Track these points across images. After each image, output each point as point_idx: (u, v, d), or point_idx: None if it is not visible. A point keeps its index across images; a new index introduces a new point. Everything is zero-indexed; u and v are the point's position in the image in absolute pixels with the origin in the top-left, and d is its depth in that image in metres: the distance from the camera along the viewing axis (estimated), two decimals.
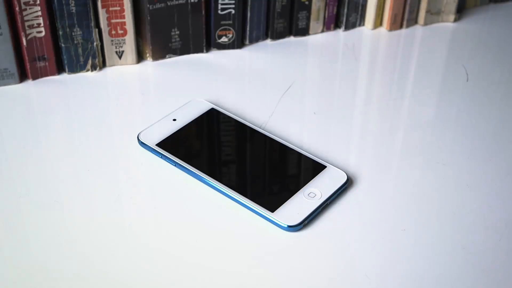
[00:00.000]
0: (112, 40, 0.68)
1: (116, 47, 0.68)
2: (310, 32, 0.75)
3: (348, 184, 0.56)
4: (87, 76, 0.69)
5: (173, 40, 0.70)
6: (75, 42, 0.66)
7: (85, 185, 0.56)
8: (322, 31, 0.76)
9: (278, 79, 0.69)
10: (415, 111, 0.65)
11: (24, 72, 0.67)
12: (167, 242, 0.51)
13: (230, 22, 0.71)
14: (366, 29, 0.77)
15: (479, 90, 0.68)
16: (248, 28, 0.72)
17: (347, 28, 0.76)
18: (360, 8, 0.75)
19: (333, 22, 0.76)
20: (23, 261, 0.49)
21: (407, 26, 0.77)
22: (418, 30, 0.78)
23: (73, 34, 0.66)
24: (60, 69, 0.69)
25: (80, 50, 0.67)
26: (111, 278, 0.48)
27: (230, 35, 0.72)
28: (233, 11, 0.70)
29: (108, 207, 0.54)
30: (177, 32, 0.70)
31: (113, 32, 0.67)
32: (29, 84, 0.67)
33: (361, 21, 0.77)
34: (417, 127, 0.63)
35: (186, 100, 0.64)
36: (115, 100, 0.66)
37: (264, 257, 0.50)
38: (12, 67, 0.66)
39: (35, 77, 0.67)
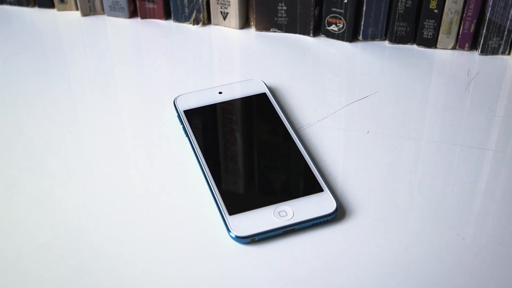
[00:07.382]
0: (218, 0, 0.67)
1: (221, 7, 0.67)
2: (438, 45, 0.65)
3: (335, 216, 0.49)
4: (190, 28, 0.69)
5: (279, 14, 0.66)
6: None
7: (105, 127, 0.57)
8: (454, 48, 0.65)
9: (364, 84, 0.62)
10: (489, 169, 0.54)
11: (135, 9, 0.70)
12: (119, 208, 0.50)
13: (341, 11, 0.65)
14: (510, 60, 0.65)
15: None
16: (362, 23, 0.65)
17: (483, 52, 0.65)
18: (505, 32, 0.63)
19: (469, 41, 0.65)
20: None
21: None
22: None
23: None
24: (168, 15, 0.70)
25: (185, 1, 0.67)
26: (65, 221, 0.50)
27: (341, 25, 0.66)
28: (346, 0, 0.64)
29: (103, 154, 0.55)
30: (284, 8, 0.66)
31: None
32: (137, 21, 0.70)
33: (505, 48, 0.64)
34: (471, 188, 0.52)
35: (259, 77, 0.61)
36: (197, 58, 0.66)
37: (198, 260, 0.47)
38: (123, 2, 0.69)
39: (143, 16, 0.70)
